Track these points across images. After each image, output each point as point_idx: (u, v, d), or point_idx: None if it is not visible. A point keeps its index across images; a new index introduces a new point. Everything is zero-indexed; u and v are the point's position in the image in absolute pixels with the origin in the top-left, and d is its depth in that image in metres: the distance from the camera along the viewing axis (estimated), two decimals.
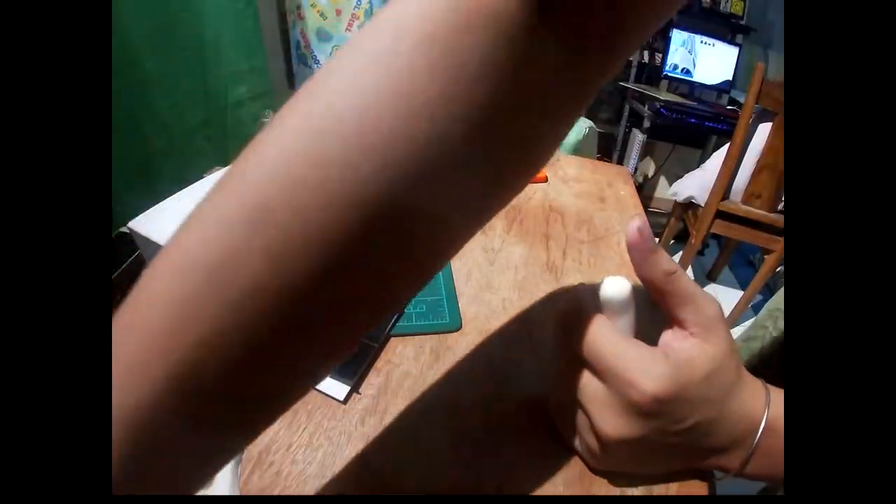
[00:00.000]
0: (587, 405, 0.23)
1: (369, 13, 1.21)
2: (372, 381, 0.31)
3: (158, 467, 0.13)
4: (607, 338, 0.22)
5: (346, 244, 0.12)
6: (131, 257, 0.40)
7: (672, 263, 0.22)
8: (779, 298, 0.55)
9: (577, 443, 0.25)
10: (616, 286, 0.23)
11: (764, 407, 0.22)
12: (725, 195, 1.36)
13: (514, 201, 0.54)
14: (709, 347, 0.22)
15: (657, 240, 0.38)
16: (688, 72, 2.21)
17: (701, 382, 0.21)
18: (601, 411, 0.22)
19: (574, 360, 0.24)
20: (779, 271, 1.53)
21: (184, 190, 0.41)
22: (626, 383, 0.21)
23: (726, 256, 1.90)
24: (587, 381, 0.23)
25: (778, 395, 0.23)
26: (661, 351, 0.22)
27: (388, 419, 0.28)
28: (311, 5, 1.17)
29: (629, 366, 0.21)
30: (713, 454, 0.23)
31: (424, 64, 0.12)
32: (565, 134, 0.18)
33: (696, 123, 1.94)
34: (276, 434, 0.27)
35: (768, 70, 1.20)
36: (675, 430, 0.22)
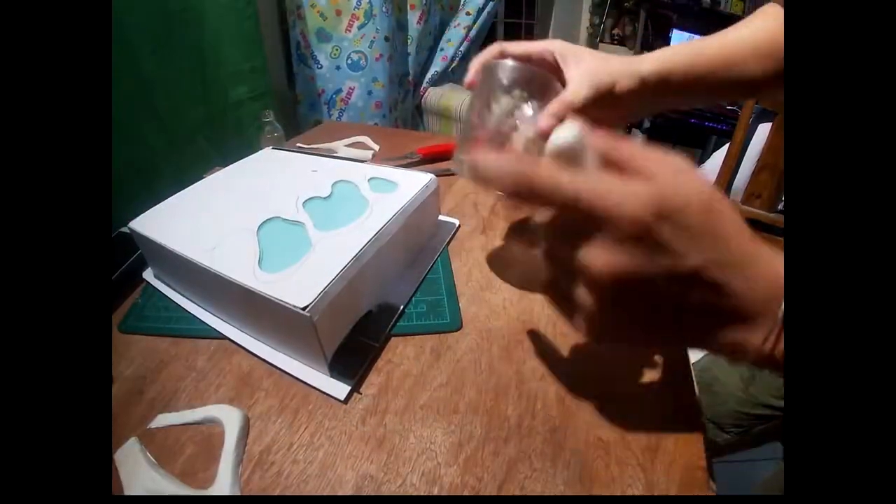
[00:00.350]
0: (575, 254, 0.20)
1: (369, 14, 1.21)
2: (372, 381, 0.31)
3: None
4: (571, 176, 0.19)
5: None
6: (131, 257, 0.40)
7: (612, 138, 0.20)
8: None
9: (574, 318, 0.22)
10: (565, 130, 0.20)
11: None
12: (725, 195, 1.36)
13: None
14: (701, 181, 0.19)
15: None
16: None
17: (699, 210, 0.18)
18: (590, 251, 0.19)
19: (550, 226, 0.21)
20: None
21: (184, 190, 0.42)
22: (610, 208, 0.18)
23: None
24: (570, 228, 0.20)
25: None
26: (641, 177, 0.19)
27: (389, 419, 0.28)
28: (311, 6, 1.17)
29: (608, 189, 0.19)
30: (731, 322, 0.20)
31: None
32: None
33: (696, 123, 1.94)
34: (277, 434, 0.27)
35: None
36: (679, 272, 0.18)
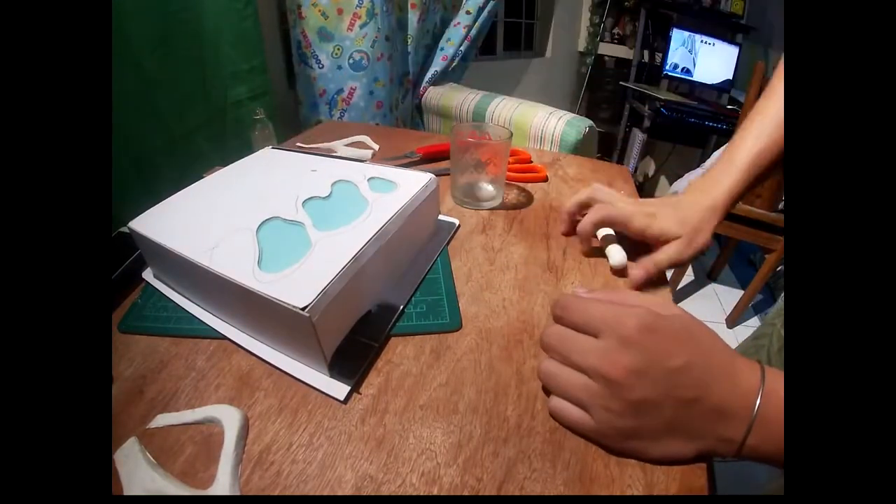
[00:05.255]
0: (590, 358, 0.26)
1: (371, 13, 1.20)
2: (372, 381, 0.31)
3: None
4: (592, 301, 0.28)
5: None
6: (131, 257, 0.40)
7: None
8: None
9: (587, 421, 0.26)
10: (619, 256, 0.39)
11: (760, 375, 0.24)
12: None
13: (515, 200, 0.54)
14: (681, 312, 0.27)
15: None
16: (688, 71, 2.20)
17: (679, 325, 0.26)
18: (604, 357, 0.25)
19: (568, 339, 0.27)
20: (779, 270, 1.53)
21: (183, 190, 0.42)
22: (615, 324, 0.25)
23: (726, 256, 1.90)
24: (586, 344, 0.26)
25: (772, 372, 0.24)
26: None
27: (388, 419, 0.28)
28: (313, 4, 1.17)
29: (614, 311, 0.26)
30: (714, 420, 0.24)
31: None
32: None
33: (696, 123, 1.94)
34: (277, 434, 0.27)
35: (768, 69, 1.20)
36: (669, 368, 0.24)
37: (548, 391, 0.29)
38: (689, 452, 0.25)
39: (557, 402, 0.27)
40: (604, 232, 0.45)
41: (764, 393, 0.23)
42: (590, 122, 1.14)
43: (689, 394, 0.24)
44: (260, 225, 0.35)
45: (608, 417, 0.25)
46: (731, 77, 2.20)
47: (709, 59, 2.19)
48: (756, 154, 0.42)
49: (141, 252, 0.40)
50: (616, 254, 0.42)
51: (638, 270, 0.40)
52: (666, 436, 0.25)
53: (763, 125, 0.42)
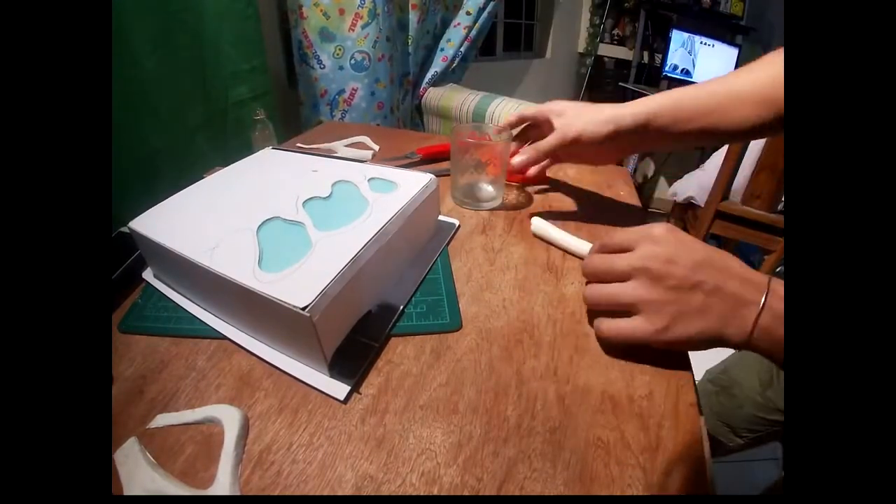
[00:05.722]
0: (632, 260, 0.31)
1: (373, 13, 1.20)
2: (372, 381, 0.31)
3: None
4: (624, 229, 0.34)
5: None
6: (131, 257, 0.40)
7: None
8: None
9: (639, 323, 0.30)
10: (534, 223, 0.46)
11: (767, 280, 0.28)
12: (725, 195, 1.36)
13: (515, 201, 0.54)
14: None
15: None
16: (687, 72, 2.21)
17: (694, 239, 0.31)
18: (644, 256, 0.30)
19: (611, 257, 0.33)
20: (778, 271, 1.53)
21: (184, 190, 0.42)
22: (645, 233, 0.31)
23: None
24: (628, 256, 0.31)
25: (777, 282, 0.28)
26: None
27: (388, 419, 0.28)
28: (314, 4, 1.17)
29: (641, 228, 0.32)
30: (741, 285, 0.28)
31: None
32: None
33: None
34: (277, 434, 0.27)
35: None
36: (695, 259, 0.29)
37: (588, 328, 0.33)
38: (710, 329, 0.29)
39: (609, 322, 0.32)
40: (542, 228, 0.46)
41: (772, 288, 0.27)
42: None
43: (715, 278, 0.28)
44: (260, 225, 0.35)
45: (656, 307, 0.29)
46: None
47: (708, 60, 2.20)
48: (681, 97, 0.41)
49: (141, 252, 0.40)
50: (577, 244, 0.43)
51: (520, 157, 0.46)
52: (696, 317, 0.29)
53: (716, 83, 0.41)
